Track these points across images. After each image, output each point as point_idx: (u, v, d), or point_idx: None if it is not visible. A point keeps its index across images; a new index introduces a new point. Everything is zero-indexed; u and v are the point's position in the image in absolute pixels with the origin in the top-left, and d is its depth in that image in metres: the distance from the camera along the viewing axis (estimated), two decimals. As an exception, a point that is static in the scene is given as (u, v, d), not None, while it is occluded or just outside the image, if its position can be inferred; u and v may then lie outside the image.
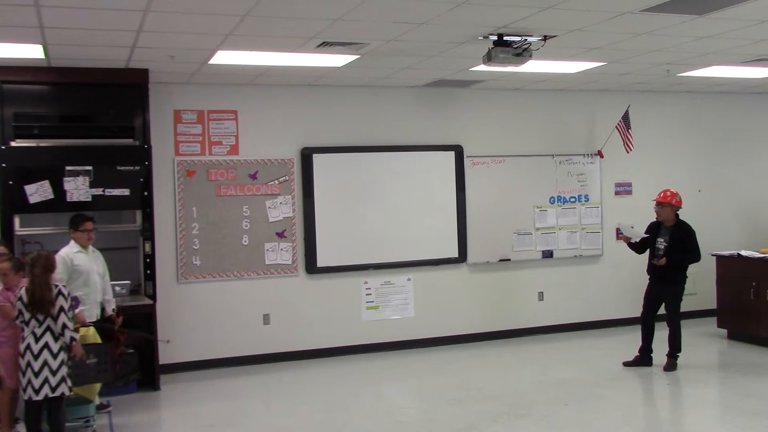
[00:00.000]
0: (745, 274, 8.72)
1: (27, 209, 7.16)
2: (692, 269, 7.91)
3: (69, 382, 5.49)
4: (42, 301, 5.38)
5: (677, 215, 7.76)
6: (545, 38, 6.53)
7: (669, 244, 7.67)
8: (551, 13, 5.78)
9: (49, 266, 5.49)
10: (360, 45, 6.67)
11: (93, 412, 6.11)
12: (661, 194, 7.81)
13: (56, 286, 5.47)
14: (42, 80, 7.31)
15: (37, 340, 5.38)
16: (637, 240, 7.96)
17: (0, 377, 5.75)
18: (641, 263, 8.09)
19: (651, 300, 7.89)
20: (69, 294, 5.56)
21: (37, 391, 5.36)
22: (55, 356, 5.40)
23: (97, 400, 6.30)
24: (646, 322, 7.89)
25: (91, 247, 6.67)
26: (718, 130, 10.65)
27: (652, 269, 7.87)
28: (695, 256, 7.69)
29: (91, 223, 6.63)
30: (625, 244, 8.10)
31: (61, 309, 5.41)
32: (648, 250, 7.91)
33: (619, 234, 8.55)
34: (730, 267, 8.99)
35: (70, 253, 6.50)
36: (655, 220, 7.91)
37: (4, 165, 7.10)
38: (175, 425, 6.64)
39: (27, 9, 5.24)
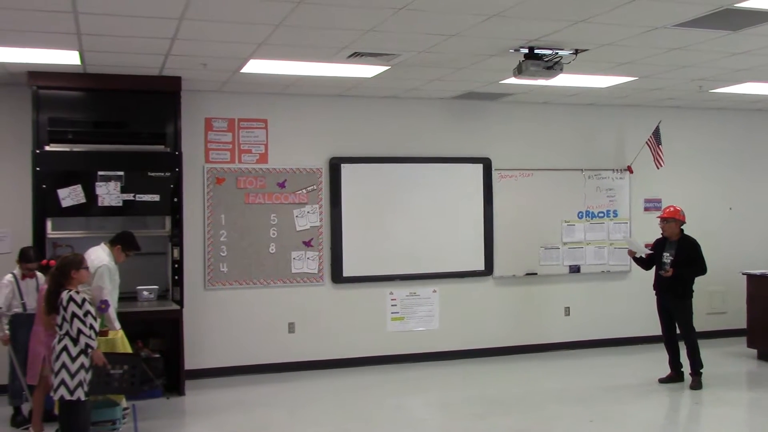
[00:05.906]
0: (776, 293, 8.60)
1: (59, 213, 7.26)
2: (720, 288, 7.84)
3: (86, 388, 5.35)
4: (47, 300, 5.42)
5: (682, 230, 7.80)
6: (576, 52, 6.52)
7: (675, 258, 7.68)
8: (583, 27, 5.77)
9: (66, 268, 5.40)
10: (391, 56, 6.70)
11: (119, 414, 6.16)
12: (666, 210, 7.91)
13: (68, 291, 5.33)
14: (77, 86, 7.43)
15: (59, 341, 5.35)
16: (643, 255, 7.97)
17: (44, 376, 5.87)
18: (669, 280, 8.01)
19: (664, 316, 7.89)
20: (85, 300, 5.37)
21: (54, 391, 5.34)
22: (73, 359, 5.31)
23: (124, 403, 6.34)
24: (669, 340, 7.90)
25: None
26: (749, 147, 10.51)
27: (658, 284, 7.89)
28: (702, 268, 7.73)
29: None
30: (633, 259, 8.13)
31: (74, 315, 5.27)
32: (654, 267, 7.92)
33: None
34: (761, 286, 8.84)
35: (111, 264, 6.59)
36: (660, 236, 7.93)
37: (38, 169, 7.22)
38: (199, 431, 6.68)
39: (65, 16, 5.33)
